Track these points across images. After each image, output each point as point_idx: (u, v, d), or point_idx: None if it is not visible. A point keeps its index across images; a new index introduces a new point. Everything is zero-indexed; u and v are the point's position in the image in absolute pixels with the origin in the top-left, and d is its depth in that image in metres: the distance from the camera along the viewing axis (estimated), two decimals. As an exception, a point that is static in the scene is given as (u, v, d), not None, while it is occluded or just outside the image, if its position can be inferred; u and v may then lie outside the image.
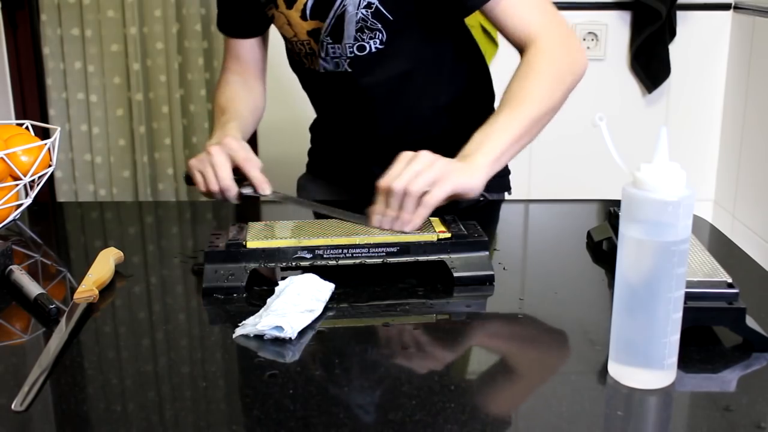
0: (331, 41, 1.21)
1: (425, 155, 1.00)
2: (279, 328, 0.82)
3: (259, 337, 0.82)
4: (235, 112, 1.26)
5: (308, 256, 0.95)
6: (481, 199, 1.02)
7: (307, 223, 1.01)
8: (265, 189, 1.09)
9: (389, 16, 1.18)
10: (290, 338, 0.81)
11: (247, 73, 1.37)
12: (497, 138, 1.06)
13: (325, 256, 0.95)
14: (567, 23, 1.18)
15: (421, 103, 1.29)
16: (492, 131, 1.07)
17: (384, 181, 0.99)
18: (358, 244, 0.96)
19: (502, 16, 1.17)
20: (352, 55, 1.22)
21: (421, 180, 0.98)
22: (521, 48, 1.17)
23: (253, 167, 1.09)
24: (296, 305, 0.85)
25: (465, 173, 1.01)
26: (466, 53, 1.34)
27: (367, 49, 1.21)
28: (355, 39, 1.20)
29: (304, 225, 1.01)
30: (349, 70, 1.23)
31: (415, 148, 1.02)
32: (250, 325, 0.83)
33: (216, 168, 1.08)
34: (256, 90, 1.37)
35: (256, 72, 1.38)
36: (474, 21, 2.20)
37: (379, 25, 1.19)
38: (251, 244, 0.95)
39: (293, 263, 0.95)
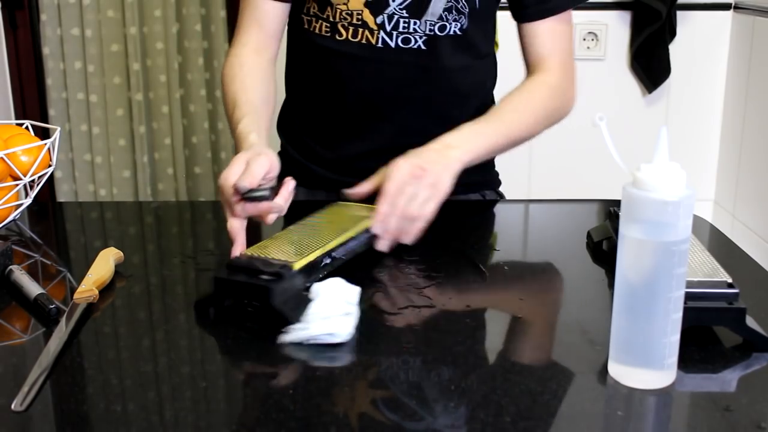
0: (407, 15, 1.18)
1: (418, 170, 1.03)
2: (332, 334, 0.80)
3: (259, 337, 0.82)
4: (249, 105, 1.14)
5: (328, 261, 0.95)
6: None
7: (294, 231, 0.99)
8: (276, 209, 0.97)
9: (477, 3, 1.20)
10: (342, 343, 0.80)
11: (264, 48, 1.24)
12: (481, 143, 1.14)
13: (338, 257, 0.96)
14: (575, 66, 1.29)
15: (458, 102, 1.28)
16: (481, 133, 1.15)
17: (383, 205, 1.01)
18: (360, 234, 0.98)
19: (532, 37, 1.25)
20: (431, 32, 1.20)
21: (416, 203, 1.02)
22: (533, 67, 1.26)
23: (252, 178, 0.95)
24: (335, 309, 0.84)
25: (447, 180, 1.06)
26: (496, 62, 1.37)
27: (447, 29, 1.20)
28: (439, 18, 1.19)
29: (293, 234, 0.98)
30: (424, 48, 1.21)
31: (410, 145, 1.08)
32: (299, 330, 0.81)
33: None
34: (271, 73, 1.24)
35: (274, 46, 1.25)
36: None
37: (467, 10, 1.20)
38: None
39: (322, 274, 0.94)
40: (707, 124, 2.49)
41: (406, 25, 1.19)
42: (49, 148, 1.18)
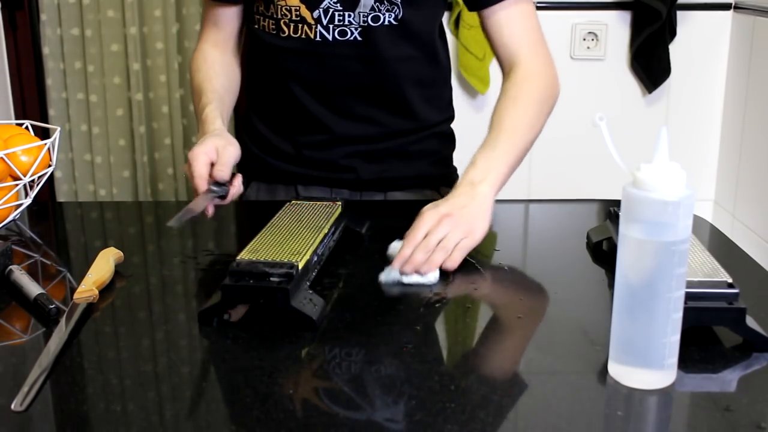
0: (341, 8, 1.20)
1: (448, 217, 1.00)
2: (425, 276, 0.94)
3: (259, 337, 0.82)
4: (213, 93, 1.23)
5: (315, 259, 0.94)
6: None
7: (270, 234, 0.97)
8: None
9: None
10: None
11: (224, 44, 1.33)
12: (499, 165, 1.10)
13: (320, 253, 0.96)
14: (549, 48, 1.23)
15: (405, 91, 1.28)
16: (494, 157, 1.11)
17: (406, 248, 0.97)
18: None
19: (497, 26, 1.21)
20: (365, 24, 1.21)
21: (448, 241, 0.99)
22: (507, 65, 1.22)
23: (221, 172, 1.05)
24: None
25: (481, 222, 1.03)
26: (446, 55, 1.36)
27: (381, 20, 1.21)
28: (371, 9, 1.20)
29: (272, 237, 0.96)
30: (360, 39, 1.22)
31: (371, 139, 1.17)
32: (395, 272, 0.94)
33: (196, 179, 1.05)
34: (233, 65, 1.34)
35: (233, 43, 1.34)
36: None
37: (399, 1, 1.20)
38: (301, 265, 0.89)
39: (314, 272, 0.94)
40: (707, 124, 2.49)
41: (341, 18, 1.21)
42: (49, 148, 1.18)
